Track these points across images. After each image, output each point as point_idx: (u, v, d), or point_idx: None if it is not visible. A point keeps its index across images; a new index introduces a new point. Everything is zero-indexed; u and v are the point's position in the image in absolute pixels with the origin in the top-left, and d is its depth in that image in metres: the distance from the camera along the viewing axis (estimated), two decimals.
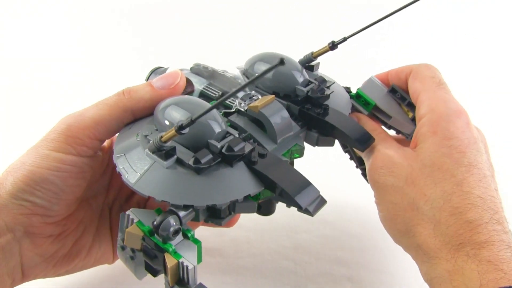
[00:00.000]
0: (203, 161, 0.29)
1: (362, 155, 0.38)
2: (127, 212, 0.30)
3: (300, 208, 0.30)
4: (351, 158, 0.46)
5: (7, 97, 0.74)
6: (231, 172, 0.30)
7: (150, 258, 0.29)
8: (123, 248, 0.31)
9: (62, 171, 0.31)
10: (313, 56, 0.41)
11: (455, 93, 0.36)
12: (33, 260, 0.32)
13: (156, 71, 0.41)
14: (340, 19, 0.87)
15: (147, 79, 0.41)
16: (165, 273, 0.28)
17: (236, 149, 0.31)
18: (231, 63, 0.42)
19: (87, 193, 0.36)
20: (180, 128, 0.27)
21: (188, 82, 0.39)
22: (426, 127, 0.33)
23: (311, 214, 0.30)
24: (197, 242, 0.29)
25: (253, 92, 0.37)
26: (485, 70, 0.83)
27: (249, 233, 0.46)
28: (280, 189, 0.30)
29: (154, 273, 0.30)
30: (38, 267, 0.33)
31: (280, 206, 0.49)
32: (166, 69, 0.41)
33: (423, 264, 0.31)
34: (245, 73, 0.40)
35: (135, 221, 0.29)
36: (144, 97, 0.34)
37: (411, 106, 0.39)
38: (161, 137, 0.28)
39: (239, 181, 0.30)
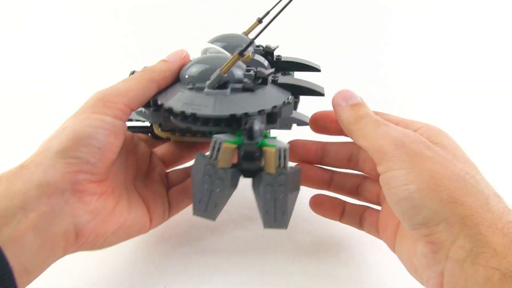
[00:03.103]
0: (251, 83, 0.37)
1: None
2: (213, 138, 0.34)
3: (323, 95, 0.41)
4: None
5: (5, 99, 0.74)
6: (269, 88, 0.38)
7: (249, 159, 0.34)
8: (208, 180, 0.35)
9: (104, 128, 0.34)
10: (246, 34, 0.52)
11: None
12: (84, 218, 0.32)
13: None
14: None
15: None
16: (263, 169, 0.35)
17: (264, 72, 0.39)
18: None
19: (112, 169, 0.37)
20: (241, 52, 0.35)
21: None
22: (434, 131, 0.34)
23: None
24: (274, 137, 0.37)
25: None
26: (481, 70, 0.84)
27: (249, 233, 0.45)
28: (304, 89, 0.40)
29: (254, 174, 0.35)
30: (90, 225, 0.33)
31: None
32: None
33: (468, 238, 0.27)
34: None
35: (222, 140, 0.34)
36: (163, 68, 0.39)
37: None
38: (221, 69, 0.36)
39: (276, 92, 0.38)
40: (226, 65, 0.35)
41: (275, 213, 0.36)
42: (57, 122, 0.69)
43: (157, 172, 0.44)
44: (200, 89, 0.37)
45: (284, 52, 0.54)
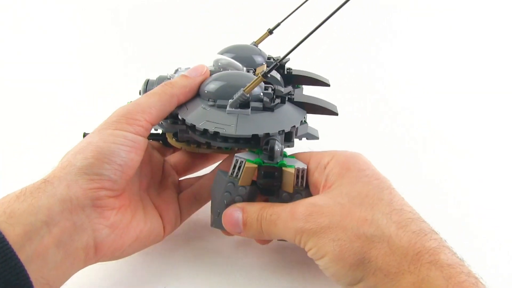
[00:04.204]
0: (272, 103, 0.39)
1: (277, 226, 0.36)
2: (235, 157, 0.36)
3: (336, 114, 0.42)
4: None
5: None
6: (286, 107, 0.39)
7: (269, 178, 0.36)
8: (228, 196, 0.37)
9: (126, 145, 0.35)
10: (256, 43, 0.52)
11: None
12: (104, 232, 0.33)
13: (149, 82, 0.45)
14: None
15: (144, 90, 0.44)
16: (281, 187, 0.36)
17: (281, 91, 0.41)
18: None
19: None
20: (265, 74, 0.36)
21: None
22: (337, 168, 0.36)
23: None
24: (292, 156, 0.38)
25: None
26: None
27: None
28: (319, 107, 0.41)
29: (272, 193, 0.37)
30: (109, 238, 0.34)
31: None
32: (154, 80, 0.45)
33: (385, 286, 0.30)
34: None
35: (243, 160, 0.36)
36: (184, 83, 0.40)
37: None
38: (244, 90, 0.36)
39: (293, 111, 0.40)
40: (249, 86, 0.36)
41: None
42: (57, 122, 0.69)
43: (170, 181, 0.44)
44: (222, 107, 0.38)
45: (286, 51, 0.54)
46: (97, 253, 0.33)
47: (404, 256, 0.30)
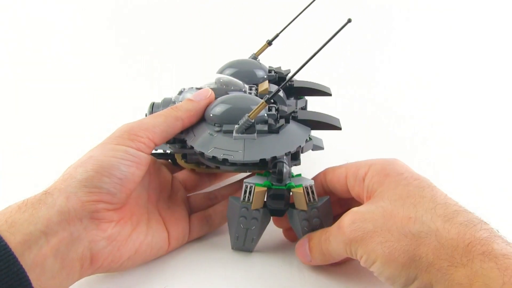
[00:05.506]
0: (276, 125, 0.39)
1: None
2: (244, 183, 0.38)
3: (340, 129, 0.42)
4: None
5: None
6: (291, 126, 0.40)
7: (277, 200, 0.37)
8: (244, 221, 0.38)
9: (127, 160, 0.36)
10: (255, 55, 0.53)
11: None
12: (100, 244, 0.34)
13: (154, 105, 0.46)
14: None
15: (150, 113, 0.45)
16: (292, 207, 0.38)
17: (285, 111, 0.42)
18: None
19: (133, 193, 0.39)
20: (268, 100, 0.37)
21: None
22: (376, 176, 0.36)
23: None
24: (299, 175, 0.39)
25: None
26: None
27: None
28: (323, 123, 0.42)
29: (282, 213, 0.39)
30: (105, 250, 0.34)
31: None
32: (160, 103, 0.46)
33: (439, 283, 0.29)
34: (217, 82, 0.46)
35: (252, 185, 0.37)
36: (189, 107, 0.41)
37: None
38: (249, 115, 0.37)
39: (298, 130, 0.41)
40: (253, 112, 0.37)
41: None
42: (57, 122, 0.69)
43: (179, 196, 0.45)
44: (228, 132, 0.39)
45: (286, 61, 0.54)
46: (92, 264, 0.34)
47: (454, 248, 0.29)
